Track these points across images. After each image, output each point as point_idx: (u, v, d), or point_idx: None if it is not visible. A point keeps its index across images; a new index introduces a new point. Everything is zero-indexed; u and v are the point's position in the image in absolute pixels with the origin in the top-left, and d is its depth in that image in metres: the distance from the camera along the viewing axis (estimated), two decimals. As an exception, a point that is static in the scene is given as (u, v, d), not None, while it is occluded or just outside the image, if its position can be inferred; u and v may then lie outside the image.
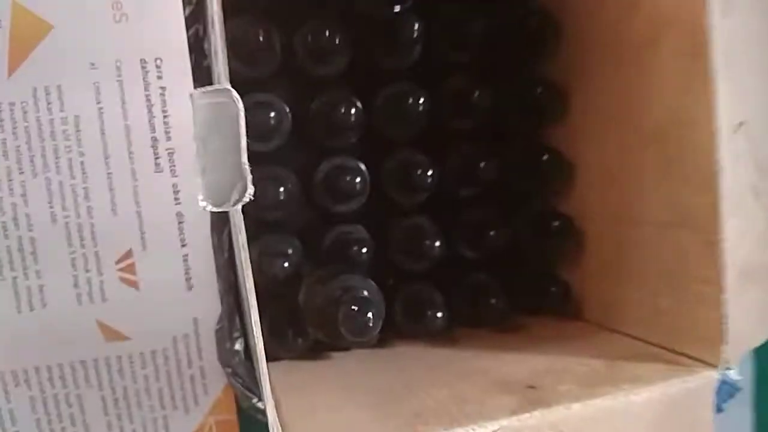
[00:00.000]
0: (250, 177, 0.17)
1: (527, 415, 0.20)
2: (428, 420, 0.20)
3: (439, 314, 0.28)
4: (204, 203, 0.17)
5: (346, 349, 0.29)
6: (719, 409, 0.22)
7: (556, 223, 0.30)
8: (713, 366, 0.23)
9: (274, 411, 0.19)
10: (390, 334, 0.29)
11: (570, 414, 0.21)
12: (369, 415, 0.21)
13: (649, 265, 0.26)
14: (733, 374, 0.23)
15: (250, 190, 0.17)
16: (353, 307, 0.21)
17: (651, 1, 0.24)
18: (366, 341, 0.23)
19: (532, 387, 0.22)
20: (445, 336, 0.29)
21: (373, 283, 0.23)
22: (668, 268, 0.25)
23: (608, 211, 0.28)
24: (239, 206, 0.17)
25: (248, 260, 0.18)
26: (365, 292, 0.21)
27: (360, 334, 0.21)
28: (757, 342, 0.25)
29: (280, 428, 0.19)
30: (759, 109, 0.23)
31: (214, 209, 0.17)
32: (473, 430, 0.20)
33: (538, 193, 0.32)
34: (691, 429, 0.22)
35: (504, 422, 0.20)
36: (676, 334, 0.25)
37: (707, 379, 0.22)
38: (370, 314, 0.21)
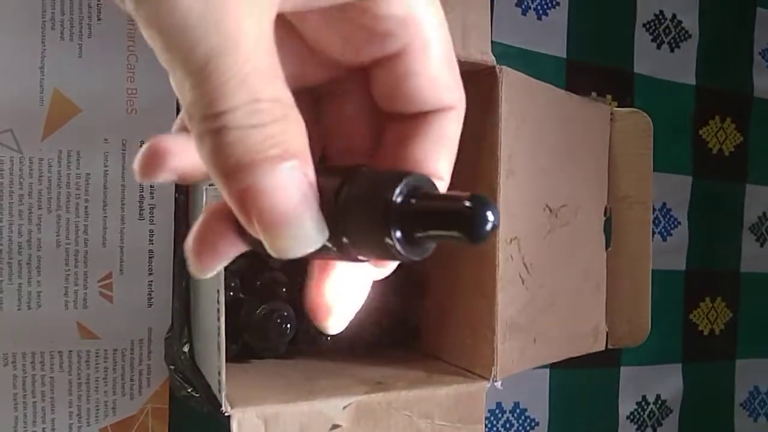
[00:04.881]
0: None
1: (373, 395, 0.35)
2: (318, 392, 0.34)
3: (329, 338, 0.42)
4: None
5: (262, 357, 0.42)
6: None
7: (415, 289, 0.46)
8: (488, 379, 0.38)
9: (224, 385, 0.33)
10: (294, 351, 0.43)
11: (399, 396, 0.35)
12: (282, 389, 0.35)
13: (461, 319, 0.42)
14: (498, 385, 0.38)
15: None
16: (278, 320, 0.35)
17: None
18: (281, 348, 0.37)
19: (379, 383, 0.37)
20: (332, 357, 0.43)
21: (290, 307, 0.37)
22: (470, 321, 0.41)
23: (443, 283, 0.44)
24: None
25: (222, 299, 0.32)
26: (286, 312, 0.36)
27: (282, 337, 0.35)
28: (518, 370, 0.41)
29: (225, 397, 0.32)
30: (529, 231, 0.40)
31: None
32: (344, 398, 0.34)
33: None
34: (469, 414, 0.37)
35: (361, 397, 0.35)
36: (471, 361, 0.40)
37: (483, 386, 0.38)
38: (289, 324, 0.35)
